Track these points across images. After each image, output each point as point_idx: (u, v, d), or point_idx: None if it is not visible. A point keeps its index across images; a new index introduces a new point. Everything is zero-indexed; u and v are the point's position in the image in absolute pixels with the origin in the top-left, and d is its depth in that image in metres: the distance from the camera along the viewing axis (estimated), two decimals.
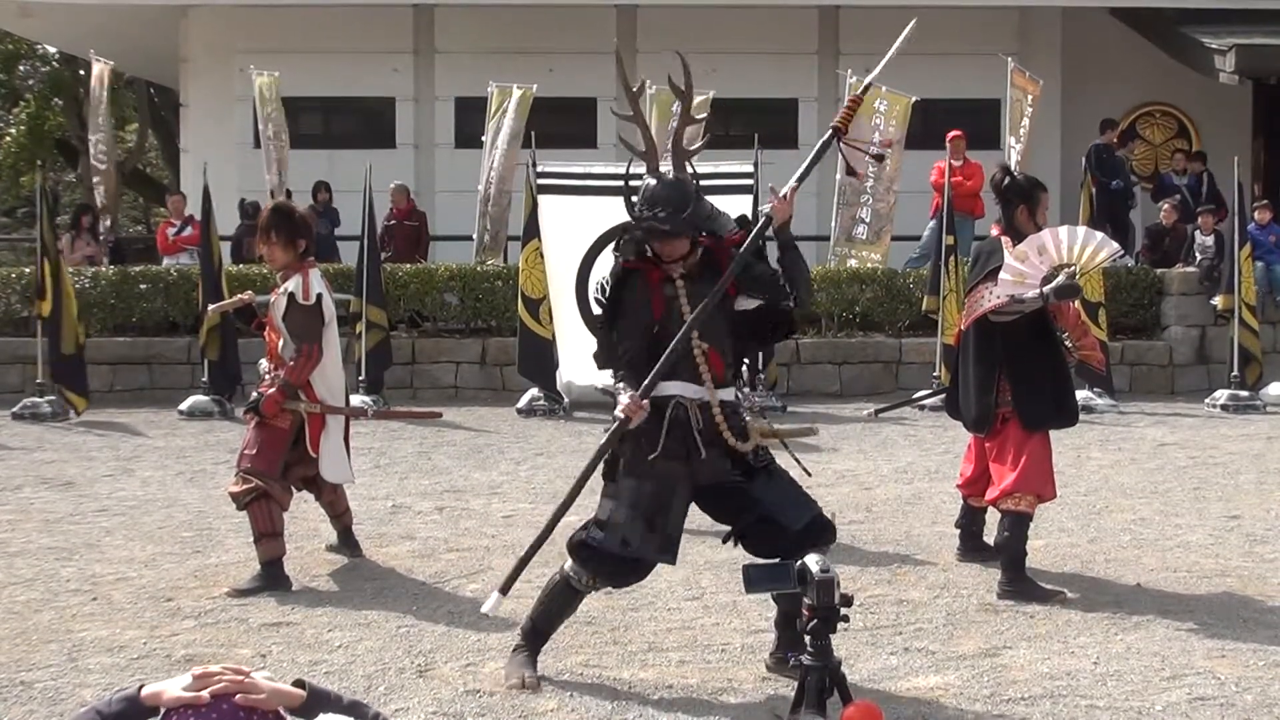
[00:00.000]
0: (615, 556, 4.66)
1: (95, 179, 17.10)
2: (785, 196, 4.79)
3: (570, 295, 12.11)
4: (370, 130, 18.83)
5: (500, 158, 15.68)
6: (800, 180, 4.98)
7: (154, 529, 7.54)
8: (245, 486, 6.20)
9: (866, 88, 5.38)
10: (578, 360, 12.17)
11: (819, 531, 4.71)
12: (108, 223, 17.15)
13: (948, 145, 14.67)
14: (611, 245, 4.87)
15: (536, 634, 4.88)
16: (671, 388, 4.72)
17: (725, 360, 4.80)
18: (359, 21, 18.18)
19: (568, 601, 4.85)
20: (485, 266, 14.79)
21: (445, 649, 5.22)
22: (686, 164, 4.92)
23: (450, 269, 14.37)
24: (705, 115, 5.12)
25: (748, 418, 4.86)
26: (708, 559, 6.40)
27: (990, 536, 6.52)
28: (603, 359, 4.94)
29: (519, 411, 12.45)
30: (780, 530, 4.68)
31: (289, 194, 14.59)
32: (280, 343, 6.39)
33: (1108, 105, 17.82)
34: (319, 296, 6.33)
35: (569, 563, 4.79)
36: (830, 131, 5.17)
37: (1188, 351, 14.22)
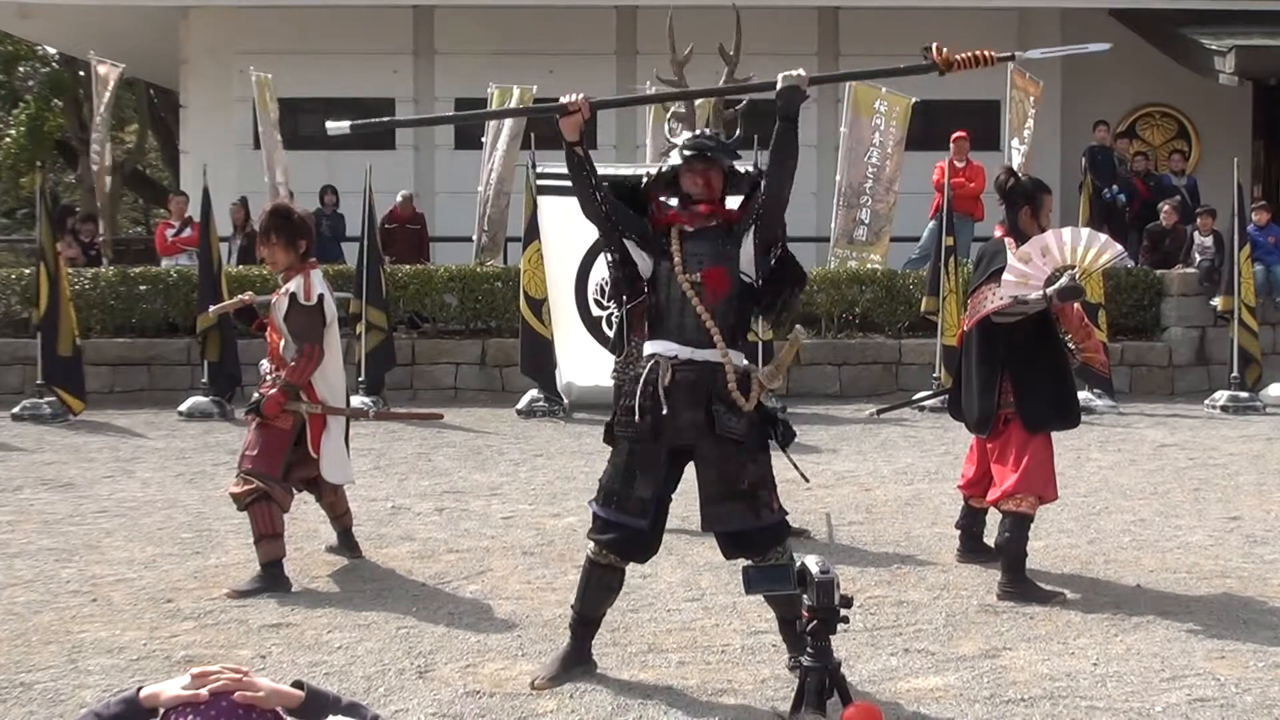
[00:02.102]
0: (605, 521, 4.76)
1: (101, 181, 17.10)
2: (802, 73, 4.74)
3: (570, 296, 12.12)
4: (370, 132, 18.83)
5: (500, 159, 15.69)
6: (827, 79, 4.94)
7: (154, 530, 7.54)
8: (246, 488, 6.20)
9: (1009, 57, 5.20)
10: (578, 361, 12.22)
11: (735, 545, 4.76)
12: (96, 226, 17.13)
13: (951, 146, 14.67)
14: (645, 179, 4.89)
15: (583, 622, 4.91)
16: (653, 346, 4.78)
17: (715, 320, 4.73)
18: (358, 22, 18.19)
19: (597, 579, 4.85)
20: (485, 268, 14.80)
21: (445, 650, 5.22)
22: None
23: (450, 270, 14.37)
24: (750, 77, 5.11)
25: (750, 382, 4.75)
26: (707, 560, 6.40)
27: (990, 537, 6.52)
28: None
29: (519, 412, 12.44)
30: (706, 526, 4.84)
31: (290, 195, 14.59)
32: (282, 343, 6.39)
33: (1107, 107, 17.84)
34: (321, 297, 6.33)
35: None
36: (932, 65, 4.99)
37: (1187, 353, 14.23)
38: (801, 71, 4.75)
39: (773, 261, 4.81)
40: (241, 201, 16.08)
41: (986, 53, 4.94)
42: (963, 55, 4.89)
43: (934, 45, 4.89)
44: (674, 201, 4.88)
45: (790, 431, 4.82)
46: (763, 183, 4.78)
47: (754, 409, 4.74)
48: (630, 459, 4.76)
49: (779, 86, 4.72)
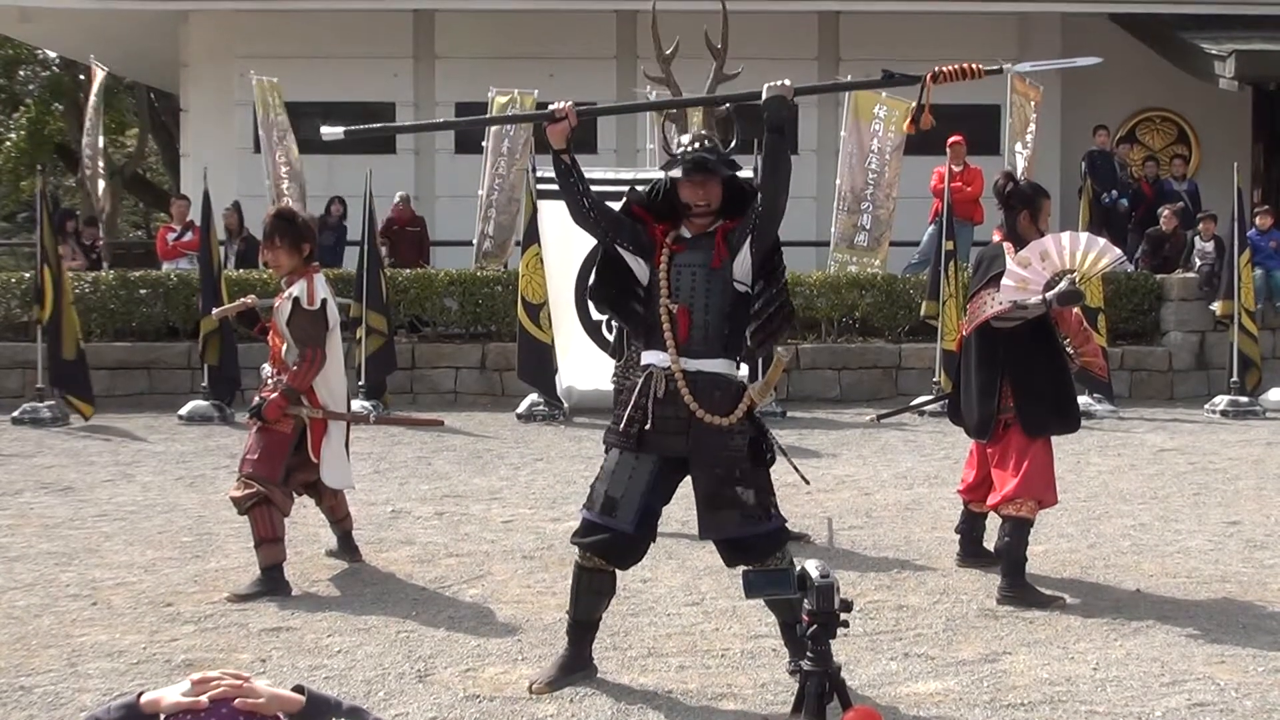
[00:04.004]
0: (593, 524, 4.77)
1: (95, 185, 17.07)
2: (787, 84, 4.76)
3: (570, 300, 12.15)
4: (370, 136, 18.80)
5: (507, 166, 15.73)
6: (813, 90, 4.95)
7: (154, 534, 7.54)
8: (247, 491, 6.19)
9: (996, 70, 5.24)
10: (578, 365, 12.24)
11: (734, 552, 4.78)
12: (97, 229, 17.14)
13: (948, 150, 14.68)
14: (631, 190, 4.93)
15: (579, 627, 4.92)
16: (648, 357, 4.81)
17: (703, 328, 4.74)
18: (359, 26, 18.20)
19: (586, 584, 4.87)
20: (485, 272, 14.82)
21: (445, 654, 5.22)
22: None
23: (450, 274, 14.38)
24: (739, 72, 5.13)
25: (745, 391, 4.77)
26: (708, 564, 6.40)
27: (990, 542, 6.52)
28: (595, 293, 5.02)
29: (519, 417, 12.45)
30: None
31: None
32: (284, 347, 6.39)
33: (1107, 111, 17.86)
34: (324, 302, 6.33)
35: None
36: (929, 75, 4.98)
37: (1187, 357, 14.24)
38: (787, 81, 4.76)
39: (776, 271, 4.81)
40: (235, 207, 16.08)
41: (974, 65, 4.95)
42: (949, 68, 4.91)
43: (927, 76, 4.91)
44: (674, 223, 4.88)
45: (772, 455, 4.84)
46: (759, 193, 4.77)
47: (747, 419, 4.75)
48: (619, 465, 4.78)
49: (764, 97, 4.73)
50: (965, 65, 4.91)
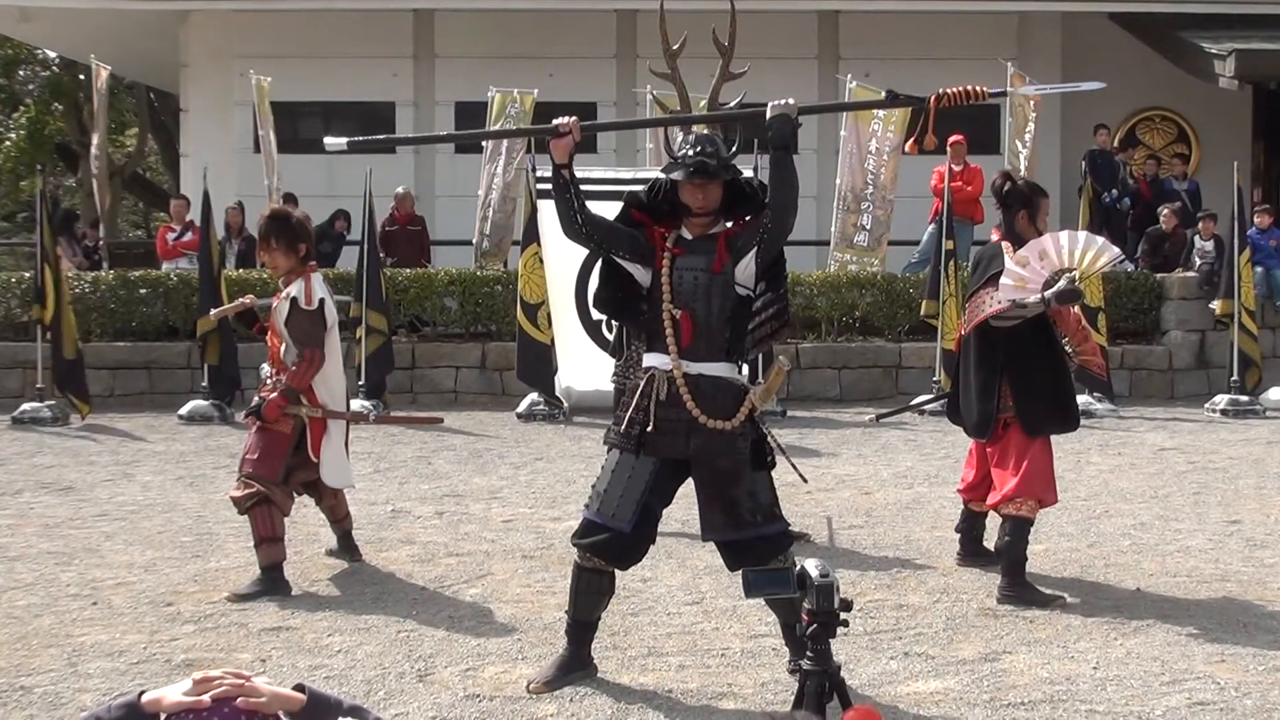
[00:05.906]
0: (593, 524, 4.77)
1: (103, 183, 17.13)
2: (791, 102, 4.77)
3: (570, 300, 12.16)
4: (370, 135, 18.78)
5: (504, 166, 15.73)
6: (817, 109, 4.94)
7: (154, 534, 7.54)
8: (247, 491, 6.20)
9: (1001, 94, 5.27)
10: (577, 365, 12.24)
11: (735, 554, 4.77)
12: (97, 230, 17.17)
13: (949, 150, 14.68)
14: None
15: (578, 626, 4.92)
16: (650, 359, 4.82)
17: (705, 332, 4.74)
18: (359, 26, 18.19)
19: (585, 583, 4.87)
20: (485, 271, 14.82)
21: (445, 654, 5.22)
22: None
23: (450, 274, 14.38)
24: (745, 71, 5.13)
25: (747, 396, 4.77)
26: (708, 564, 6.40)
27: (990, 541, 6.52)
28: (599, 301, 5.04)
29: (519, 416, 12.45)
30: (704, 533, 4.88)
31: (293, 199, 14.58)
32: (282, 347, 6.39)
33: (1107, 111, 17.85)
34: (322, 301, 6.33)
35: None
36: (933, 97, 5.00)
37: (1187, 356, 14.24)
38: (791, 100, 4.77)
39: (780, 275, 4.82)
40: (239, 206, 16.09)
41: (978, 88, 4.96)
42: (953, 90, 4.92)
43: (931, 98, 4.92)
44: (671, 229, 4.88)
45: (773, 458, 4.84)
46: (766, 209, 4.75)
47: (748, 422, 4.75)
48: (619, 465, 4.78)
49: (768, 116, 4.74)
50: (969, 88, 4.93)
